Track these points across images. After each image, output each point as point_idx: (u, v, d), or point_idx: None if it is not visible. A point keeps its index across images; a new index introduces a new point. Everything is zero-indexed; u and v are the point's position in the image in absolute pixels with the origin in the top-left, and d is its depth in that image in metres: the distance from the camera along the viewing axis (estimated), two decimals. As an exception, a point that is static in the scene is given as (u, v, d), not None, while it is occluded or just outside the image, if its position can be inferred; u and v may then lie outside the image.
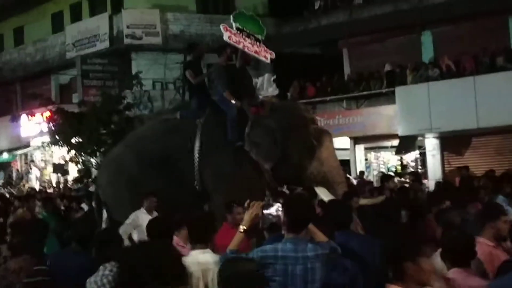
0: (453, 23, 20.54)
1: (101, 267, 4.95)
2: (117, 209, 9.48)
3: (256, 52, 9.99)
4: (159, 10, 25.86)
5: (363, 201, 8.50)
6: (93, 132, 21.96)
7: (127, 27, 25.45)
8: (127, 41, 25.56)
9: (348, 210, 5.78)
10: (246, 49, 9.76)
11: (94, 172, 23.89)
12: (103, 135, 22.12)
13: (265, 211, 5.51)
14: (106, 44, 26.50)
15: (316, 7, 24.21)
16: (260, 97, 9.93)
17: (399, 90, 19.18)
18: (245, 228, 4.86)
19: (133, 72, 24.76)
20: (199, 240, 4.89)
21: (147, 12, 25.85)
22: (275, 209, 6.00)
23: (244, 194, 8.05)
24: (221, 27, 9.90)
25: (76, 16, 28.67)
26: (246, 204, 4.96)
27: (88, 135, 22.07)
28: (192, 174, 9.21)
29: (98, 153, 22.48)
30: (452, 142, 18.67)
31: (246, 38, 9.89)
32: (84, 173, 23.99)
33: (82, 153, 22.85)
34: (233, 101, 9.24)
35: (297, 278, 4.50)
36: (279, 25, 25.59)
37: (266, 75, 10.74)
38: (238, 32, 9.83)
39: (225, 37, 9.68)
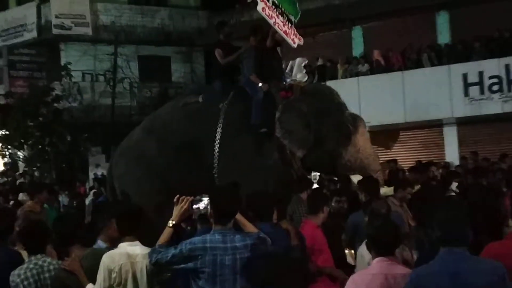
0: (383, 18, 20.92)
1: (26, 260, 4.87)
2: (138, 199, 8.55)
3: (285, 32, 9.27)
4: (89, 0, 25.37)
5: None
6: (20, 124, 21.45)
7: (56, 16, 24.85)
8: (55, 31, 24.96)
9: (268, 201, 5.62)
10: (276, 26, 9.09)
11: (21, 165, 23.36)
12: (31, 128, 21.63)
13: (194, 206, 5.45)
14: (33, 34, 25.82)
15: (249, 0, 24.20)
16: (288, 81, 9.25)
17: (329, 85, 19.29)
18: (174, 223, 4.85)
19: (62, 63, 24.24)
20: (127, 232, 4.86)
21: (76, 2, 25.26)
22: (204, 204, 5.94)
23: (263, 185, 7.82)
24: None
25: (3, 5, 27.82)
26: (175, 199, 4.93)
27: (15, 128, 21.55)
28: (212, 161, 8.62)
29: (25, 146, 21.98)
30: (381, 136, 19.04)
31: (279, 16, 9.20)
32: (11, 166, 23.41)
33: (9, 146, 22.29)
34: (259, 84, 8.70)
35: (226, 269, 4.53)
36: (211, 18, 25.54)
37: (298, 59, 9.87)
38: (273, 7, 9.18)
39: (259, 7, 9.02)
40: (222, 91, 9.05)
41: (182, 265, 4.57)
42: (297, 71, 9.58)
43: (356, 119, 8.76)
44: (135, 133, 9.71)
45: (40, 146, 22.12)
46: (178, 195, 4.98)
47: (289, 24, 9.38)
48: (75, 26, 25.02)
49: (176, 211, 4.88)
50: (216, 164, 8.56)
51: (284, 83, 9.06)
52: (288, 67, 9.81)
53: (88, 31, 25.30)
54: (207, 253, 4.51)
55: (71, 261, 4.81)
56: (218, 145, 8.57)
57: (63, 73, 23.72)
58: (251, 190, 6.62)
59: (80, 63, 24.68)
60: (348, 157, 8.42)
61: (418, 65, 18.86)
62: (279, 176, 8.36)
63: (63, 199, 16.59)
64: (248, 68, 8.91)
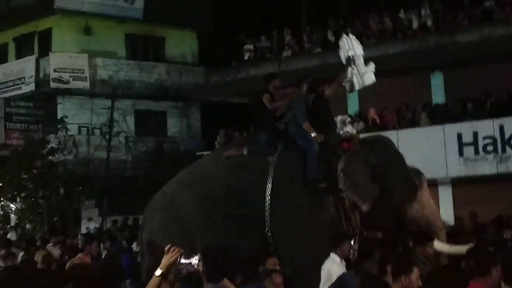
0: (378, 77, 21.07)
1: None
2: None
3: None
4: (88, 55, 25.63)
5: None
6: (14, 176, 21.34)
7: (54, 70, 25.06)
8: (53, 84, 25.14)
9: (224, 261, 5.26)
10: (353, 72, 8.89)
11: (13, 218, 23.15)
12: (24, 180, 21.52)
13: (183, 260, 5.33)
14: (31, 87, 25.97)
15: (246, 58, 24.50)
16: (341, 132, 8.95)
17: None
18: (162, 272, 4.74)
19: (59, 116, 24.31)
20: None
21: (75, 56, 25.57)
22: (196, 259, 5.82)
23: (323, 244, 7.31)
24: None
25: (2, 58, 28.07)
26: (166, 248, 4.86)
27: (9, 180, 21.43)
28: (263, 219, 8.07)
29: (18, 198, 21.83)
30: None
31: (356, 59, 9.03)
32: (3, 218, 23.19)
33: (1, 198, 22.13)
34: (313, 134, 8.24)
35: None
36: (208, 74, 25.85)
37: (339, 117, 9.72)
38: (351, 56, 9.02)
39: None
40: (269, 143, 8.59)
41: None
42: (342, 126, 9.28)
43: (419, 173, 8.39)
44: (170, 187, 9.27)
45: (33, 199, 21.97)
46: (169, 245, 4.90)
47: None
48: (73, 80, 25.21)
49: (165, 260, 4.78)
50: (268, 221, 8.03)
51: (340, 134, 8.71)
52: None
53: (86, 85, 25.48)
54: None
55: None
56: (269, 201, 8.06)
57: (59, 126, 23.75)
58: (309, 248, 6.64)
59: (76, 117, 24.73)
60: (413, 213, 8.01)
61: (413, 124, 18.96)
62: (334, 233, 7.81)
63: (55, 252, 16.36)
64: (300, 117, 8.45)
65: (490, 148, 17.38)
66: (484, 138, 17.43)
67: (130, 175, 24.19)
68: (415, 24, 21.03)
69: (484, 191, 18.40)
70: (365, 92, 21.30)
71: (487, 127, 17.48)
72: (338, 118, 9.15)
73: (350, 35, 9.47)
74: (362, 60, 9.21)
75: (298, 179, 8.12)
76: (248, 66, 24.20)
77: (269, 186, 8.10)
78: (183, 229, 8.35)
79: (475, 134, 17.37)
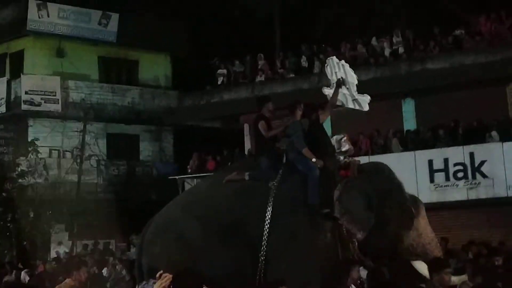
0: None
1: None
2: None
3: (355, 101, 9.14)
4: (60, 78, 25.44)
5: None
6: (-17, 199, 21.07)
7: (26, 92, 24.79)
8: (24, 106, 24.84)
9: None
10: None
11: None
12: (-7, 203, 21.24)
13: None
14: (2, 109, 25.65)
15: (219, 82, 24.57)
16: (342, 158, 8.82)
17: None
18: None
19: (30, 138, 24.03)
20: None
21: (47, 78, 25.34)
22: None
23: (317, 267, 7.57)
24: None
25: (-27, 80, 27.78)
26: (158, 275, 4.79)
27: (-23, 203, 21.14)
28: (259, 243, 7.98)
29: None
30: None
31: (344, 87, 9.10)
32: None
33: (-30, 221, 21.79)
34: (313, 160, 8.25)
35: None
36: (181, 98, 25.83)
37: (335, 137, 9.60)
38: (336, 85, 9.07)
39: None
40: (270, 167, 8.56)
41: None
42: (339, 146, 9.23)
43: (417, 201, 8.43)
44: (171, 210, 9.01)
45: (1, 222, 21.64)
46: (161, 271, 4.82)
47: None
48: (45, 102, 24.97)
49: (157, 285, 4.77)
50: (264, 245, 7.98)
51: (339, 160, 8.68)
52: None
53: (58, 107, 25.24)
54: None
55: None
56: (268, 226, 8.01)
57: (29, 148, 23.48)
58: (302, 272, 6.65)
59: (48, 139, 24.50)
60: (409, 241, 8.03)
61: (385, 150, 19.11)
62: (330, 259, 7.88)
63: (24, 277, 16.10)
64: (299, 143, 8.46)
65: (460, 174, 17.57)
66: (455, 164, 17.63)
67: (101, 199, 23.96)
68: (387, 51, 21.31)
69: (455, 217, 18.55)
70: (338, 118, 21.59)
71: (457, 154, 17.69)
72: (334, 138, 9.10)
73: (343, 61, 9.56)
74: (355, 87, 9.41)
75: (299, 204, 8.10)
76: (221, 90, 24.26)
77: (269, 210, 8.08)
78: (187, 254, 8.09)
79: (446, 161, 17.57)
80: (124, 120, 26.33)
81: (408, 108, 20.73)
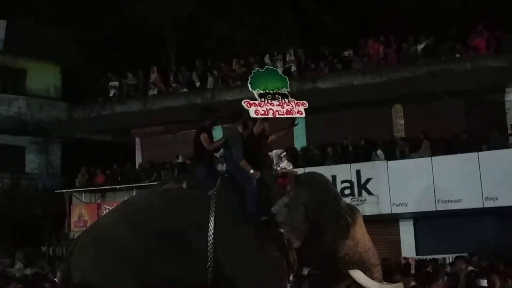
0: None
1: None
2: None
3: (288, 112, 8.97)
4: None
5: None
6: None
7: None
8: None
9: None
10: (277, 115, 8.77)
11: None
12: None
13: None
14: None
15: (111, 94, 24.14)
16: (277, 169, 8.93)
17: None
18: None
19: None
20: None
21: None
22: None
23: (269, 276, 7.63)
24: (243, 104, 8.75)
25: None
26: None
27: None
28: (205, 255, 7.87)
29: None
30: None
31: (273, 102, 8.84)
32: None
33: None
34: (251, 171, 8.21)
35: None
36: (71, 110, 25.07)
37: (275, 151, 9.36)
38: (262, 100, 8.80)
39: (252, 114, 8.63)
40: (208, 177, 8.51)
41: None
42: (278, 160, 9.26)
43: (353, 210, 8.49)
44: (103, 221, 8.87)
45: None
46: None
47: (286, 100, 9.04)
48: None
49: None
50: (211, 255, 7.90)
51: (275, 170, 8.76)
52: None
53: None
54: None
55: None
56: (212, 236, 7.93)
57: None
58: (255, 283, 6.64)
59: None
60: (346, 251, 8.11)
61: (276, 167, 19.35)
62: (281, 267, 8.00)
63: None
64: (237, 155, 8.44)
65: (347, 191, 18.03)
66: (342, 182, 18.07)
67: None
68: (280, 70, 21.61)
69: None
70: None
71: (345, 171, 18.16)
72: (274, 152, 9.13)
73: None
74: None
75: (239, 214, 8.08)
76: (113, 102, 23.85)
77: (212, 219, 8.01)
78: (121, 262, 7.81)
79: (334, 178, 17.96)
80: (9, 131, 25.30)
81: (299, 127, 21.03)
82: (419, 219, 18.50)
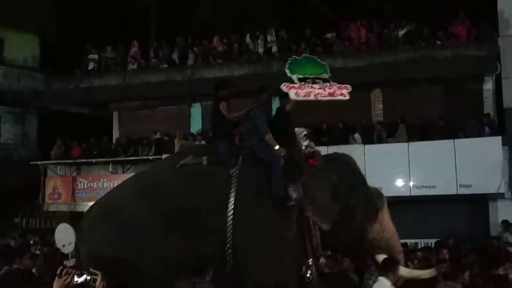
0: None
1: None
2: (123, 273, 6.99)
3: (330, 94, 8.56)
4: None
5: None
6: None
7: None
8: None
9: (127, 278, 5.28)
10: (319, 97, 8.44)
11: None
12: None
13: (76, 279, 4.87)
14: None
15: (90, 67, 23.91)
16: (304, 148, 8.41)
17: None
18: None
19: None
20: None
21: None
22: (84, 278, 5.27)
23: (284, 261, 7.37)
24: (282, 87, 8.45)
25: None
26: (58, 271, 4.53)
27: None
28: (224, 234, 7.54)
29: None
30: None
31: (314, 85, 8.50)
32: None
33: None
34: (276, 147, 7.83)
35: None
36: (49, 81, 24.75)
37: (297, 129, 8.98)
38: (303, 83, 8.48)
39: (292, 96, 8.30)
40: (229, 153, 8.07)
41: None
42: (300, 140, 8.64)
43: (381, 194, 8.31)
44: (117, 194, 8.37)
45: None
46: (61, 267, 4.59)
47: (328, 84, 8.69)
48: None
49: (58, 283, 4.55)
50: (230, 234, 7.55)
51: (303, 149, 8.33)
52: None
53: None
54: None
55: None
56: (232, 213, 7.57)
57: None
58: (271, 265, 6.71)
59: None
60: (374, 235, 7.94)
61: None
62: (296, 251, 7.69)
63: None
64: (263, 127, 8.03)
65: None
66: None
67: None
68: (260, 50, 21.60)
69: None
70: (208, 112, 21.75)
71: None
72: (296, 131, 8.81)
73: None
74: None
75: (263, 195, 7.74)
76: (91, 76, 23.63)
77: (232, 198, 7.67)
78: (132, 242, 7.50)
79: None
80: (-15, 101, 25.08)
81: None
82: (393, 203, 18.61)
